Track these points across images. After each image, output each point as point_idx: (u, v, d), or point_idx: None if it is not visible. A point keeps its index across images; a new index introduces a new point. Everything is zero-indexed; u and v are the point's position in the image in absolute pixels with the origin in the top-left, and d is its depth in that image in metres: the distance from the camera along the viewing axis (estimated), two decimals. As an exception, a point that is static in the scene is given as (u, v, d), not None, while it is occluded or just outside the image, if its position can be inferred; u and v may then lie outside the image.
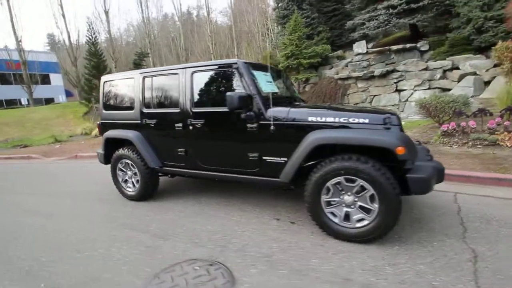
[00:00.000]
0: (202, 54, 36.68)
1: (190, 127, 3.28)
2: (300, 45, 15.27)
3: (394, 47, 14.46)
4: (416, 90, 12.86)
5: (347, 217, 2.49)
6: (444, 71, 12.21)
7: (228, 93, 2.79)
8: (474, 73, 11.24)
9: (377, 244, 2.40)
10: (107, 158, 4.12)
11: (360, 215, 2.43)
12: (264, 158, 2.91)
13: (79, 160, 7.72)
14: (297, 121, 2.74)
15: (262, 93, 2.86)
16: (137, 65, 24.62)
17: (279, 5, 21.42)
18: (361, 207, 2.42)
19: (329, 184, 2.46)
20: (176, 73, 3.41)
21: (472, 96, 9.76)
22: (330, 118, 2.60)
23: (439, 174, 2.51)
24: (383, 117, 2.45)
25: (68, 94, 40.80)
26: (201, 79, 3.30)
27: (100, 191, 4.58)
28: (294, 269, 2.16)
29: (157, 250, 2.58)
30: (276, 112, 2.80)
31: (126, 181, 4.10)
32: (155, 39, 40.15)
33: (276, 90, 3.17)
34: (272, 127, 2.77)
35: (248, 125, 2.91)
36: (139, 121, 3.76)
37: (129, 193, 4.13)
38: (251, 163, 3.01)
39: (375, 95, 13.78)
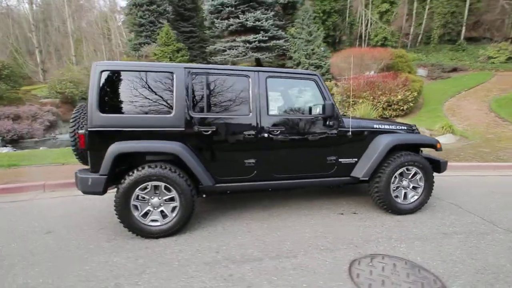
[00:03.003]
0: None
1: (265, 135, 3.01)
2: (174, 59, 14.98)
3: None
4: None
5: (405, 196, 3.43)
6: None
7: (328, 102, 3.00)
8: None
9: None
10: (106, 184, 2.58)
11: (412, 193, 3.47)
12: (340, 160, 3.31)
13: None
14: (366, 128, 3.41)
15: None
16: None
17: (132, 11, 19.68)
18: (413, 187, 3.44)
19: (396, 173, 3.32)
20: (246, 75, 3.01)
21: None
22: (387, 126, 3.50)
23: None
24: (412, 126, 3.67)
25: None
26: (277, 85, 3.14)
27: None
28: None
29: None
30: (348, 120, 3.32)
31: (146, 213, 2.75)
32: None
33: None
34: (349, 133, 3.27)
35: (329, 132, 3.22)
36: (183, 129, 2.84)
37: (154, 228, 2.82)
38: (329, 166, 3.26)
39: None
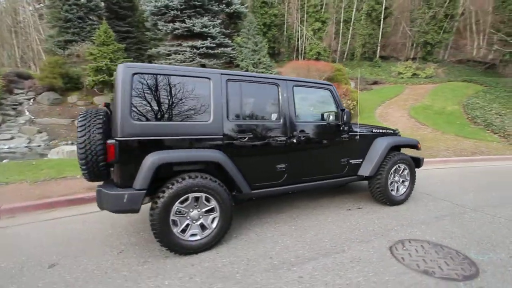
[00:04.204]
0: None
1: (294, 140, 3.13)
2: (115, 60, 13.61)
3: (202, 81, 17.13)
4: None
5: (397, 189, 3.98)
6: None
7: (346, 109, 3.34)
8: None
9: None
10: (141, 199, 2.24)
11: (402, 186, 4.01)
12: (350, 161, 3.66)
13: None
14: (368, 133, 3.86)
15: None
16: None
17: (56, 4, 17.06)
18: (402, 181, 4.04)
19: (391, 170, 3.86)
20: (276, 84, 3.08)
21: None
22: (381, 130, 4.04)
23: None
24: (395, 130, 4.31)
25: None
26: (301, 93, 3.28)
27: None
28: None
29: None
30: (356, 125, 3.72)
31: (184, 229, 2.57)
32: None
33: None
34: (357, 137, 3.67)
35: (343, 136, 3.55)
36: (221, 136, 2.72)
37: (194, 242, 2.54)
38: (342, 167, 3.58)
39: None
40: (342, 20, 24.47)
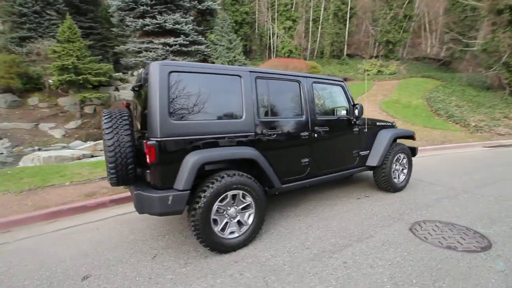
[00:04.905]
0: None
1: (315, 135, 3.25)
2: (82, 58, 12.71)
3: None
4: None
5: (398, 177, 4.32)
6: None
7: (359, 104, 3.53)
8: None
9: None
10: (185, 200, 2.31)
11: (402, 174, 4.40)
12: (360, 153, 3.88)
13: None
14: (373, 125, 4.11)
15: None
16: None
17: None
18: (402, 169, 4.38)
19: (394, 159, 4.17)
20: (298, 81, 3.16)
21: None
22: (383, 123, 4.33)
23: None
24: (392, 122, 4.64)
25: None
26: (318, 89, 3.40)
27: None
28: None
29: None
30: (364, 118, 3.95)
31: (223, 227, 2.55)
32: None
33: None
34: (365, 130, 3.91)
35: (354, 129, 3.75)
36: (253, 133, 2.74)
37: (234, 240, 2.53)
38: (353, 159, 3.79)
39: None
40: (311, 19, 25.25)
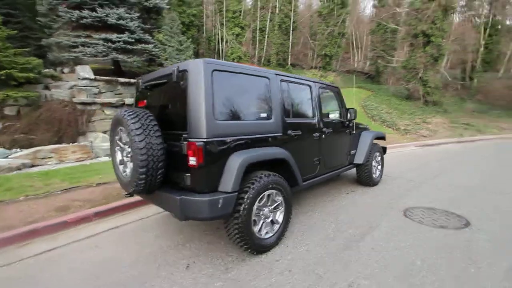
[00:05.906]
0: None
1: (323, 136, 3.47)
2: (3, 50, 10.66)
3: (121, 80, 15.24)
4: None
5: (375, 172, 4.88)
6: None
7: (353, 108, 3.92)
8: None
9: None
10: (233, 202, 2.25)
11: (377, 170, 4.99)
12: (351, 152, 4.28)
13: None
14: (357, 128, 4.56)
15: None
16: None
17: None
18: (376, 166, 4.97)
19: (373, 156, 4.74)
20: (309, 85, 3.32)
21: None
22: (364, 126, 4.85)
23: None
24: (366, 125, 5.23)
25: None
26: (323, 93, 3.61)
27: None
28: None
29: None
30: (353, 121, 4.37)
31: (259, 228, 2.49)
32: None
33: None
34: (354, 132, 4.34)
35: (347, 131, 4.12)
36: (281, 133, 2.78)
37: (268, 239, 2.46)
38: (347, 157, 4.18)
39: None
40: (258, 28, 26.21)
